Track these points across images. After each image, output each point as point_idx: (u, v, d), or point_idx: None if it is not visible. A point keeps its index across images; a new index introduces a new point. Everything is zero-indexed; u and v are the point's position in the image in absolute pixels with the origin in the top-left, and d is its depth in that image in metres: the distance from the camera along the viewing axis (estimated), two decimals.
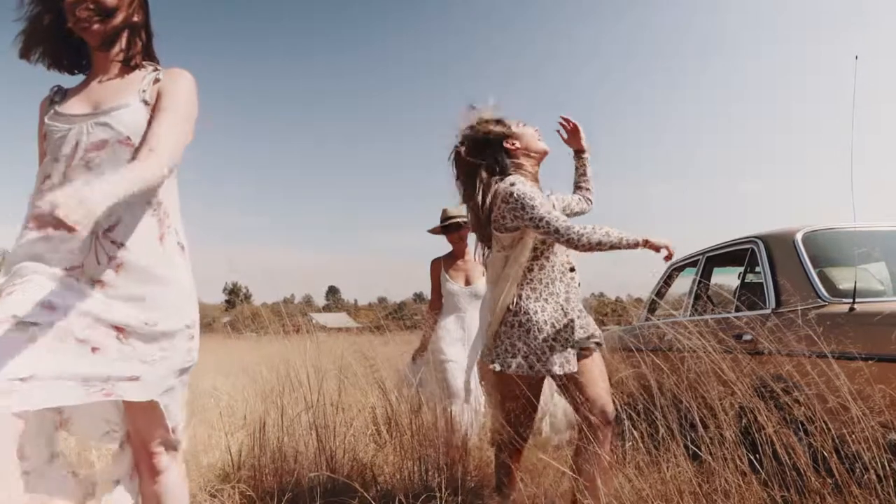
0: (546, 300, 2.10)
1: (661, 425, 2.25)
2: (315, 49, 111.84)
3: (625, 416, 2.34)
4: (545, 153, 2.32)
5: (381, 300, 71.32)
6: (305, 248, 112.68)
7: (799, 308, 2.43)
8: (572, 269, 2.21)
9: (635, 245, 2.00)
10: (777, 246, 2.85)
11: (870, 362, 1.97)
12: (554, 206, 2.32)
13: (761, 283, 2.90)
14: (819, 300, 2.47)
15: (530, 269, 2.12)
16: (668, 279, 4.45)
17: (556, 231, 1.99)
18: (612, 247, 1.98)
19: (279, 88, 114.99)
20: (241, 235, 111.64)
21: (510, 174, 2.19)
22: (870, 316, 2.11)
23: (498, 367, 2.04)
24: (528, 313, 2.06)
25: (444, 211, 3.72)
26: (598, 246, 1.97)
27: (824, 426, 1.88)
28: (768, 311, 2.69)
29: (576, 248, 2.00)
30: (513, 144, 2.25)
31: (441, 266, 3.74)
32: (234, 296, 67.21)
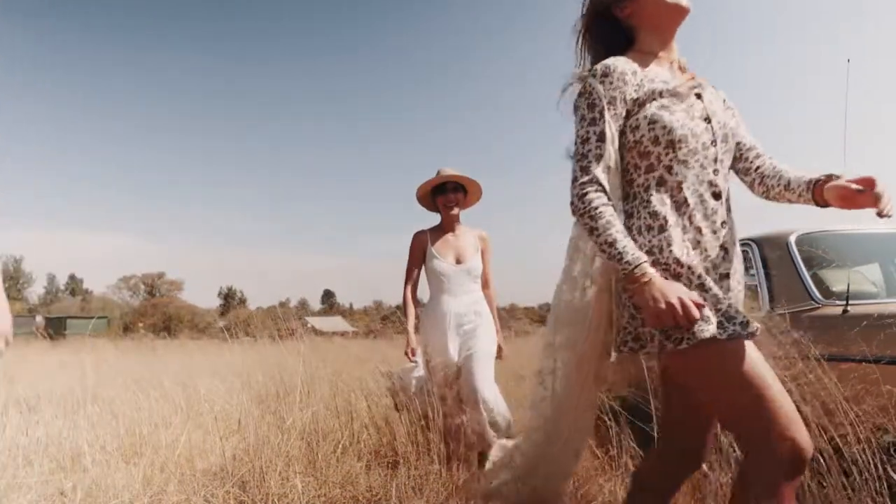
0: (663, 236, 1.35)
1: (657, 428, 2.25)
2: (314, 50, 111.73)
3: (614, 420, 2.34)
4: (678, 14, 1.47)
5: (377, 304, 71.32)
6: (302, 250, 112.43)
7: (793, 310, 2.44)
8: (717, 195, 1.40)
9: (621, 270, 1.29)
10: (771, 248, 2.87)
11: (863, 364, 1.98)
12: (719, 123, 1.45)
13: (755, 286, 2.91)
14: (812, 302, 2.48)
15: (646, 188, 1.39)
16: None
17: (572, 177, 1.37)
18: (600, 249, 1.32)
19: (277, 89, 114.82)
20: (239, 238, 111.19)
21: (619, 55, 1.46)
22: (863, 318, 2.12)
23: (659, 348, 1.32)
24: (664, 252, 1.34)
25: (440, 171, 3.16)
26: (588, 234, 1.34)
27: (819, 428, 1.89)
28: (762, 314, 2.70)
29: (572, 213, 1.37)
30: (623, 10, 1.50)
31: (427, 239, 3.12)
32: (230, 300, 66.99)
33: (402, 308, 3.16)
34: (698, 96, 1.44)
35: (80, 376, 6.08)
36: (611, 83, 1.37)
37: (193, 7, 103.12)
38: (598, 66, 1.39)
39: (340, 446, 2.96)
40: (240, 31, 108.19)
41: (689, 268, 1.32)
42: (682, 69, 1.51)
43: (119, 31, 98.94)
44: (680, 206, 1.37)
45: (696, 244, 1.35)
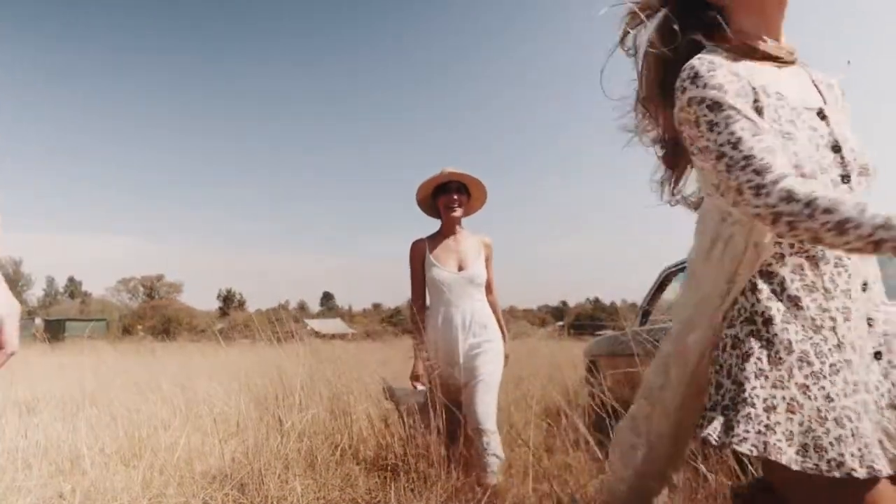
0: (811, 301, 1.02)
1: None
2: (314, 50, 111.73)
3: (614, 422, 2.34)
4: None
5: (376, 306, 71.35)
6: (302, 251, 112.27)
7: None
8: None
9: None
10: None
11: None
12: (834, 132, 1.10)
13: None
14: None
15: (778, 242, 1.05)
16: (661, 284, 4.47)
17: (753, 190, 0.97)
18: (865, 240, 0.89)
19: (277, 89, 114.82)
20: (239, 238, 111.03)
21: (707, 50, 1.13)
22: None
23: (714, 438, 0.98)
24: (773, 323, 1.01)
25: (443, 170, 2.93)
26: (835, 233, 0.90)
27: None
28: None
29: (784, 229, 0.95)
30: None
31: (425, 247, 2.90)
32: (228, 303, 66.98)
33: (411, 325, 2.94)
34: (820, 115, 1.11)
35: (79, 379, 6.08)
36: (724, 77, 1.07)
37: (193, 7, 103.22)
38: (697, 63, 1.08)
39: (339, 449, 2.96)
40: (240, 31, 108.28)
41: (801, 357, 0.97)
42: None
43: (119, 32, 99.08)
44: (810, 266, 1.03)
45: (827, 314, 1.00)
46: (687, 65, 1.09)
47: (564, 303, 68.24)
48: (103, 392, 5.30)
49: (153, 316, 49.41)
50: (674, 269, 4.31)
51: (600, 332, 5.68)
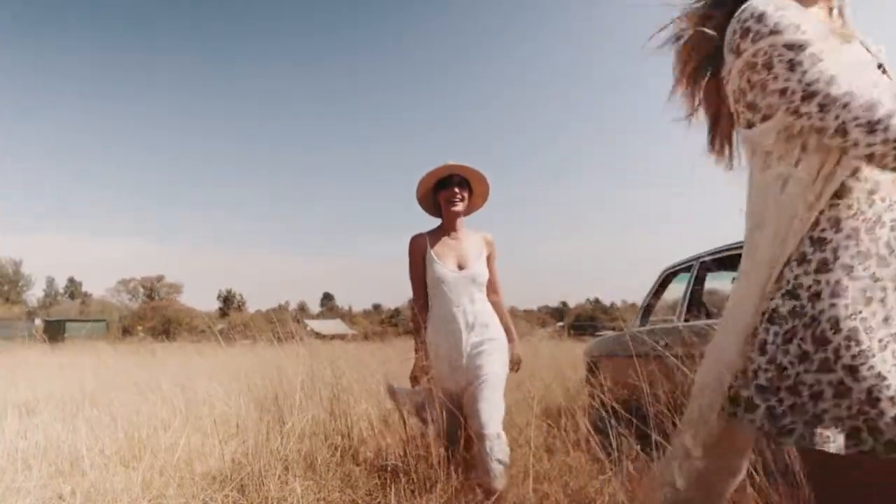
0: (824, 277, 0.93)
1: (654, 430, 2.26)
2: (314, 50, 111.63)
3: (615, 422, 2.34)
4: None
5: (377, 307, 71.37)
6: (302, 251, 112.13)
7: None
8: None
9: None
10: None
11: None
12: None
13: None
14: None
15: (835, 205, 0.96)
16: (661, 285, 4.48)
17: (867, 128, 0.87)
18: None
19: (277, 89, 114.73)
20: (239, 238, 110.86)
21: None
22: None
23: (760, 425, 0.95)
24: (821, 298, 0.92)
25: (445, 164, 2.82)
26: None
27: None
28: None
29: None
30: None
31: (426, 243, 2.80)
32: (229, 303, 66.99)
33: (413, 327, 2.84)
34: (881, 68, 1.04)
35: (78, 379, 6.08)
36: (796, 15, 0.96)
37: (193, 7, 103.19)
38: (760, 4, 0.98)
39: (339, 450, 2.96)
40: (240, 31, 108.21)
41: (849, 336, 0.89)
42: (843, 21, 1.09)
43: (119, 32, 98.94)
44: (866, 230, 0.94)
45: (879, 284, 0.92)
46: (747, 6, 0.99)
47: (565, 303, 68.23)
48: (103, 393, 5.30)
49: (153, 317, 49.40)
50: (674, 269, 4.31)
51: (600, 333, 5.69)
